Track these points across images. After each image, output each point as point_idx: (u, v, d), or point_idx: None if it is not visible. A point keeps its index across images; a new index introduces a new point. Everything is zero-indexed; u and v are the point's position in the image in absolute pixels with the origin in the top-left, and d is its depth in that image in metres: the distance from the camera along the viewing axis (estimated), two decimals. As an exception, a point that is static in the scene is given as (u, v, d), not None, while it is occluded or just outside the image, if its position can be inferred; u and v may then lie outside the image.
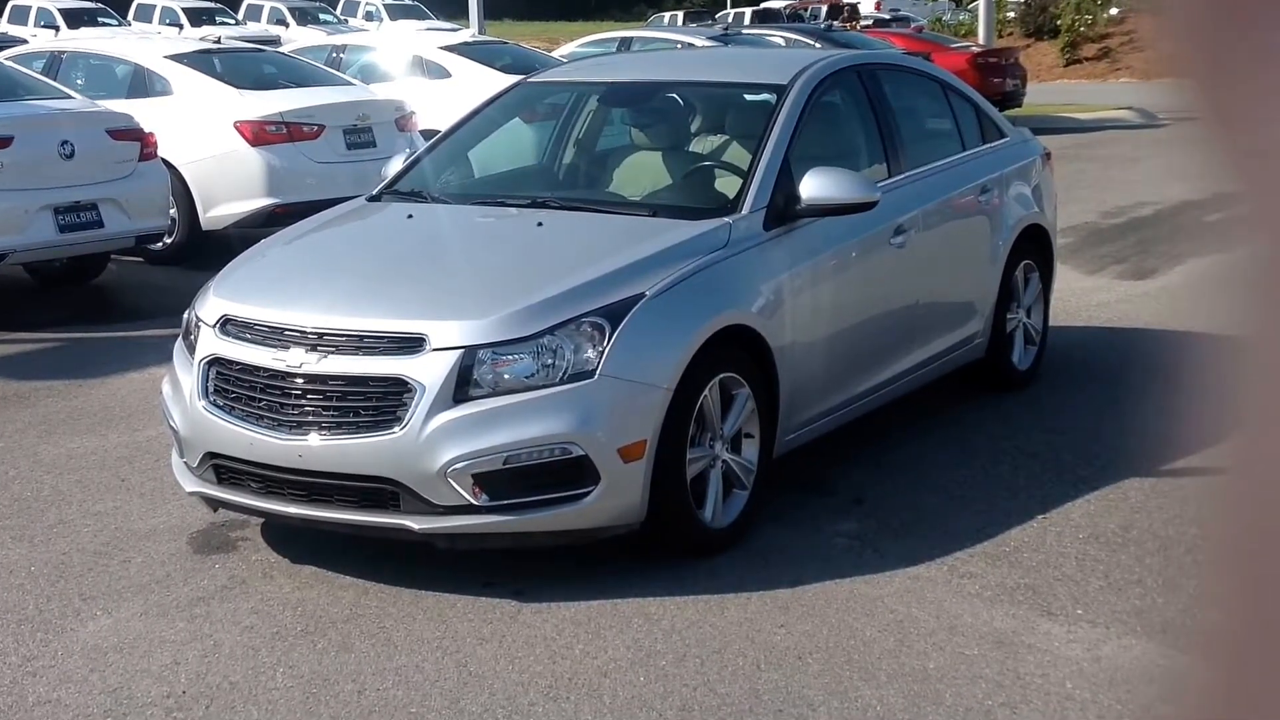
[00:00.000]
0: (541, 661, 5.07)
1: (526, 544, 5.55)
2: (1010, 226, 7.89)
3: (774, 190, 6.33)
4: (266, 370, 5.55)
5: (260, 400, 5.56)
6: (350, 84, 14.43)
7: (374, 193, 7.08)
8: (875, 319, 6.86)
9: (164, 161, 11.40)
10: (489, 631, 5.28)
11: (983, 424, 7.73)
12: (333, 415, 5.40)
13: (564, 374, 5.39)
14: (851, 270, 6.67)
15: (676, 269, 5.76)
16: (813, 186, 6.29)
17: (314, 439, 5.44)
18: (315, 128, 12.54)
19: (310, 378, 5.45)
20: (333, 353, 5.47)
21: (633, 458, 5.48)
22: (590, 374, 5.40)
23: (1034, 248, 8.25)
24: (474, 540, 5.47)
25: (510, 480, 5.38)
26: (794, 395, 6.27)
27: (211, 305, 5.92)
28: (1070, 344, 9.35)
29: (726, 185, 6.51)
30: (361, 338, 5.45)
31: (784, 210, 6.30)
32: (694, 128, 7.18)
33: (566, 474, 5.42)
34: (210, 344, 5.80)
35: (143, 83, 13.00)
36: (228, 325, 5.77)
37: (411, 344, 5.42)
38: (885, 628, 5.27)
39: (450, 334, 5.41)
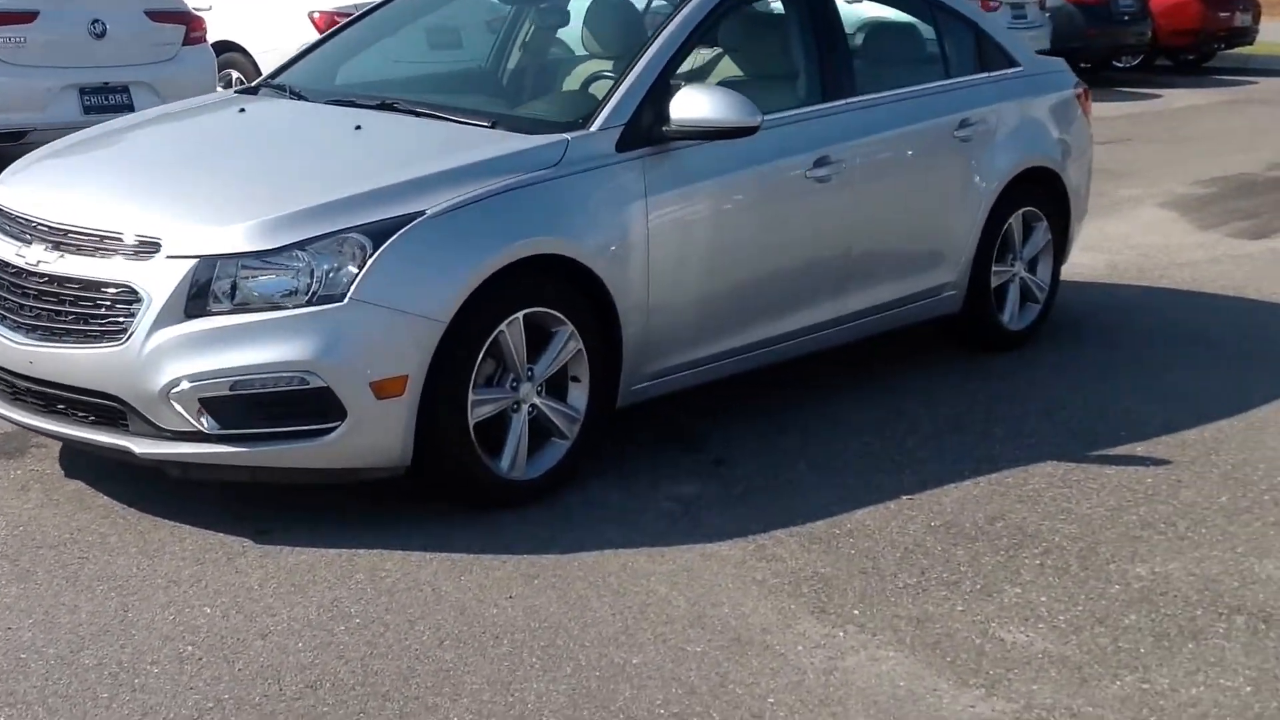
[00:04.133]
0: (211, 612, 4.61)
1: (268, 479, 4.96)
2: (1000, 167, 7.03)
3: (640, 108, 5.56)
4: (10, 266, 5.05)
5: (5, 299, 5.05)
6: None
7: (253, 83, 6.46)
8: (782, 260, 6.09)
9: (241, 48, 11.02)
10: (189, 574, 4.84)
11: (929, 387, 6.94)
12: (65, 321, 4.94)
13: (313, 295, 4.73)
14: (745, 204, 5.90)
15: (477, 186, 5.03)
16: (682, 105, 5.55)
17: (45, 345, 5.05)
18: None
19: (47, 278, 4.99)
20: (72, 253, 4.94)
21: (389, 394, 4.88)
22: (340, 297, 4.71)
23: (1040, 193, 7.28)
24: (207, 471, 4.93)
25: (241, 408, 4.85)
26: (649, 339, 5.58)
27: None
28: (1109, 305, 8.50)
29: (588, 99, 5.73)
30: (102, 238, 4.95)
31: (648, 131, 5.49)
32: (588, 35, 6.36)
33: (305, 406, 4.85)
34: (-24, 231, 5.27)
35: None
36: None
37: (146, 249, 4.84)
38: (623, 610, 4.66)
39: (186, 240, 4.88)
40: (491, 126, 5.59)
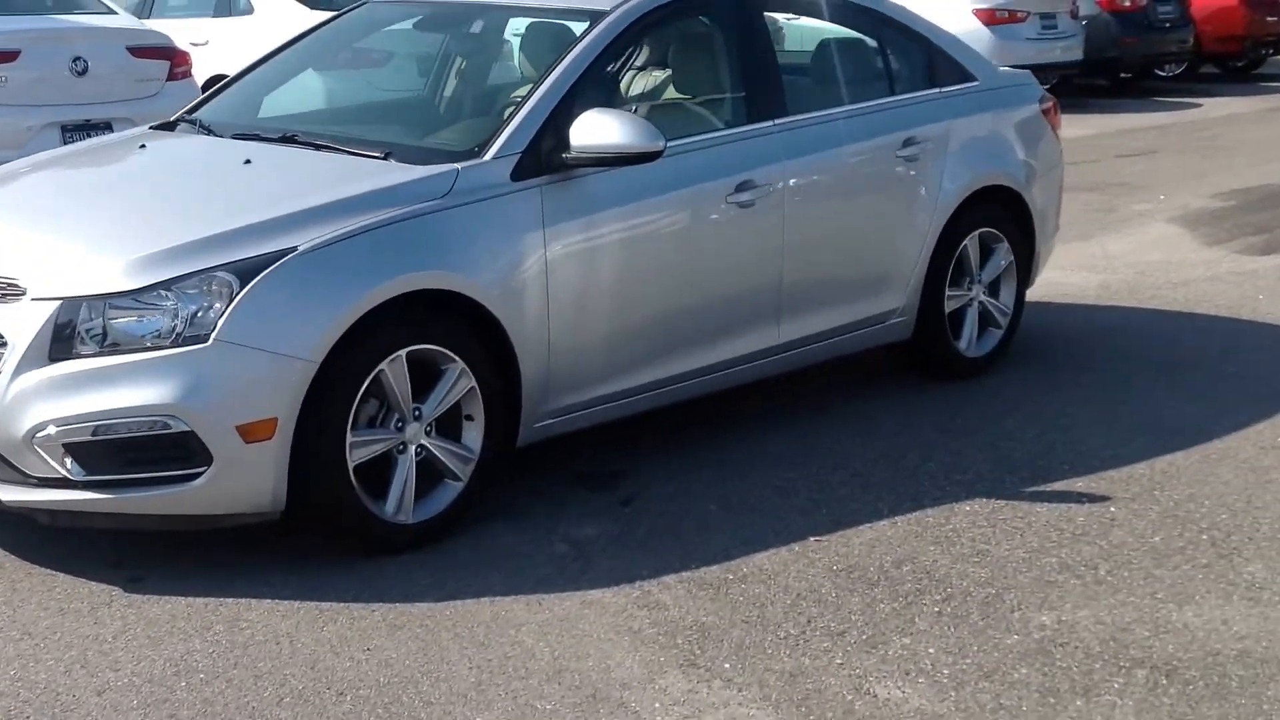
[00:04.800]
0: (55, 666, 4.45)
1: (136, 526, 4.81)
2: (951, 187, 6.74)
3: (539, 134, 5.34)
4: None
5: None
6: None
7: (173, 118, 6.29)
8: (702, 290, 5.84)
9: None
10: (46, 624, 4.69)
11: (870, 417, 6.69)
12: (-62, 366, 4.70)
13: (177, 336, 4.55)
14: (657, 232, 5.66)
15: (355, 220, 4.82)
16: (582, 132, 5.32)
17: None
18: None
19: (-77, 321, 4.75)
20: (-54, 296, 4.75)
21: (257, 438, 4.69)
22: (204, 338, 4.53)
23: (1000, 213, 6.96)
24: (75, 518, 4.79)
25: (105, 453, 4.68)
26: (552, 375, 5.38)
27: None
28: (1088, 328, 8.20)
29: (488, 127, 5.49)
30: (-27, 283, 4.72)
31: (548, 159, 5.26)
32: (523, 61, 6.15)
33: (169, 451, 4.69)
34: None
35: (226, 2, 12.53)
36: None
37: (11, 292, 4.70)
38: (482, 664, 4.48)
39: (51, 282, 4.76)
40: (385, 158, 5.36)
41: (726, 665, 4.37)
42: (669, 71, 6.34)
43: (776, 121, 6.13)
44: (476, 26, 6.70)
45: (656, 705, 4.13)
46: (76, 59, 10.08)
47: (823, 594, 4.81)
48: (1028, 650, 4.43)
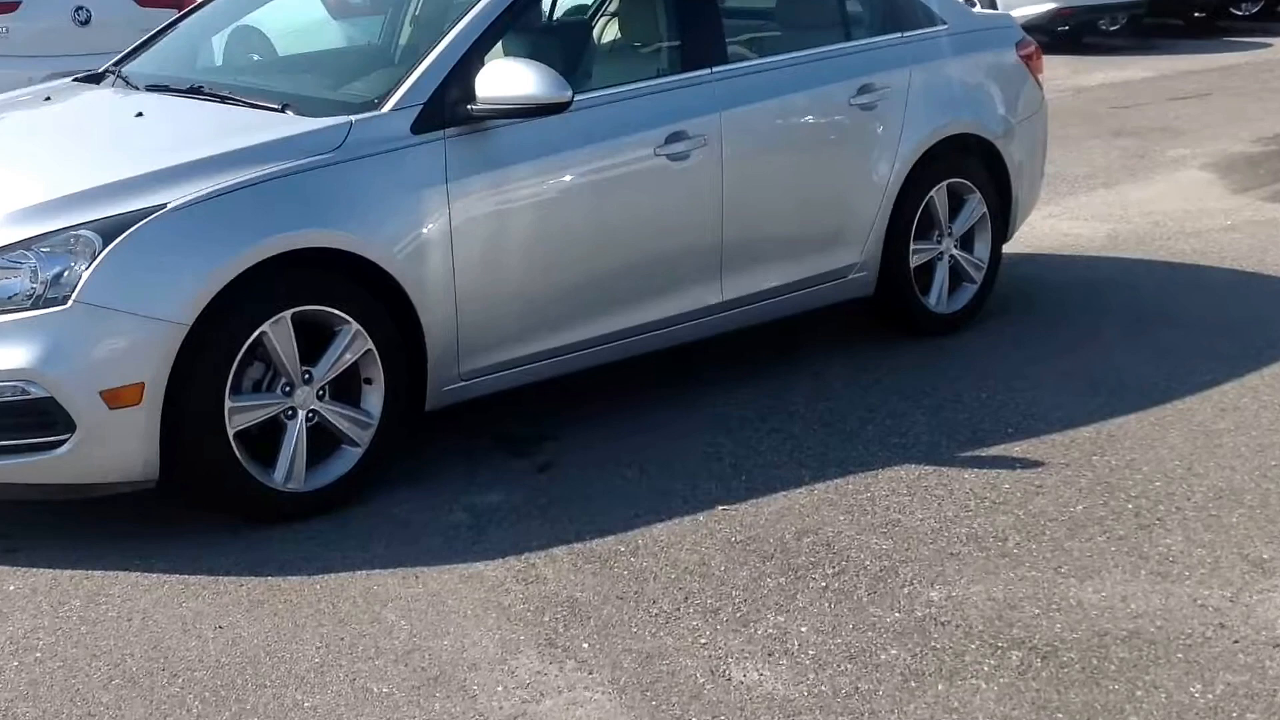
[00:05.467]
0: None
1: (3, 495, 4.59)
2: (914, 136, 6.46)
3: (443, 85, 5.14)
4: None
5: None
6: None
7: (101, 69, 6.13)
8: (631, 246, 5.63)
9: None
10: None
11: (822, 376, 6.48)
12: None
13: (37, 298, 4.40)
14: (577, 187, 5.45)
15: (235, 175, 4.67)
16: (488, 82, 5.10)
17: None
18: None
19: None
20: None
21: (123, 403, 4.57)
22: (63, 300, 4.37)
23: (970, 163, 6.66)
24: (-62, 487, 4.56)
25: (-36, 420, 4.43)
26: (464, 336, 5.20)
27: None
28: (1082, 280, 7.90)
29: (394, 77, 5.29)
30: None
31: (453, 111, 5.06)
32: (441, 9, 5.92)
33: (30, 418, 4.56)
34: None
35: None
36: None
37: (-126, 254, 4.55)
38: (333, 642, 4.33)
39: (-96, 243, 4.51)
40: (281, 110, 5.13)
41: (585, 645, 4.17)
42: (599, 19, 6.06)
43: (715, 69, 5.87)
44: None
45: (499, 689, 3.95)
46: (79, 8, 9.98)
47: (710, 568, 4.58)
48: (905, 629, 4.20)
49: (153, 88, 5.74)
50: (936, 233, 6.69)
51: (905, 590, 4.44)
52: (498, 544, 4.80)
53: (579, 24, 6.19)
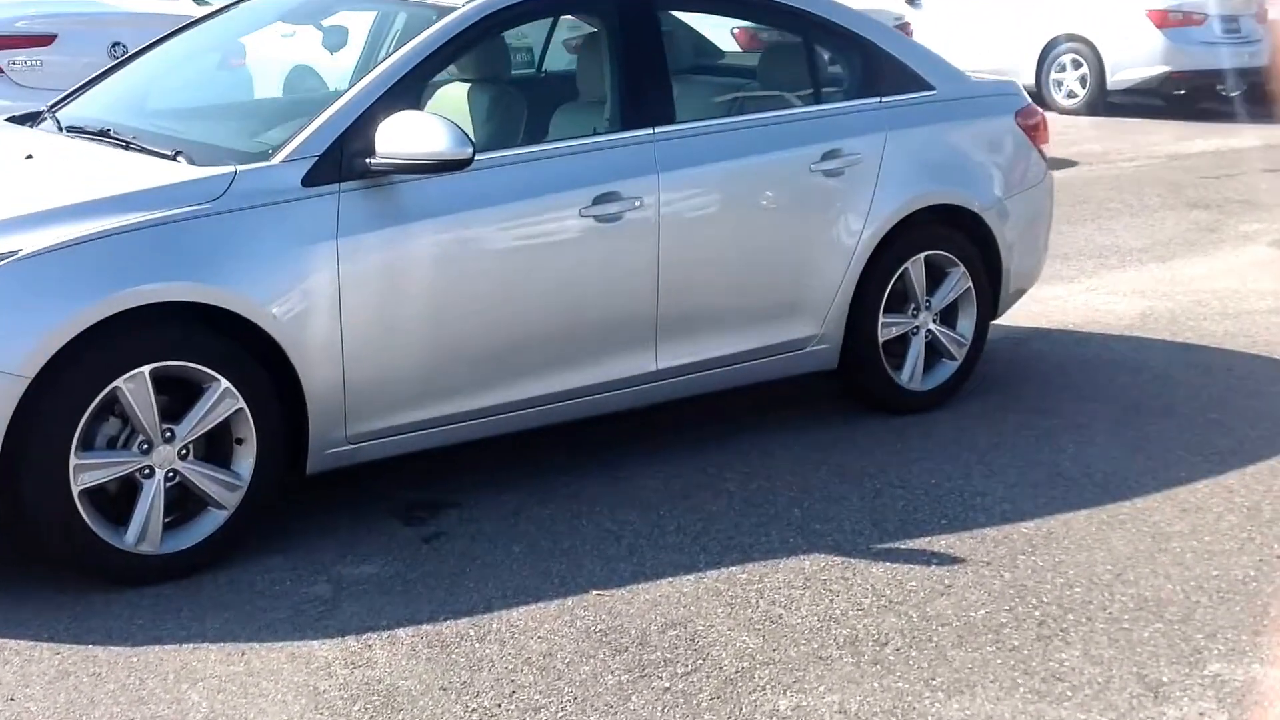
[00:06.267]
0: None
1: None
2: (886, 205, 6.10)
3: (343, 138, 4.93)
4: None
5: None
6: None
7: (45, 108, 6.01)
8: (550, 311, 5.38)
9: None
10: None
11: (767, 451, 6.15)
12: None
13: (-126, 344, 4.23)
14: (488, 247, 5.19)
15: (101, 223, 4.50)
16: (388, 136, 4.87)
17: None
18: None
19: None
20: None
21: (-46, 456, 4.27)
22: (-106, 348, 4.21)
23: (953, 235, 6.29)
24: None
25: None
26: (351, 400, 4.97)
27: None
28: (1091, 361, 7.49)
29: (297, 128, 5.07)
30: None
31: (351, 164, 4.84)
32: (348, 52, 5.72)
33: None
34: None
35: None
36: None
37: None
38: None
39: None
40: (173, 157, 4.93)
41: (380, 738, 3.81)
42: (539, 75, 5.79)
43: (657, 130, 5.52)
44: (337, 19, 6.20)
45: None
46: (116, 44, 9.89)
47: (554, 660, 4.27)
48: (732, 743, 3.81)
49: (72, 129, 5.53)
50: (912, 306, 6.26)
51: (753, 697, 4.09)
52: (345, 621, 4.53)
53: (515, 80, 5.89)
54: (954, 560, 4.93)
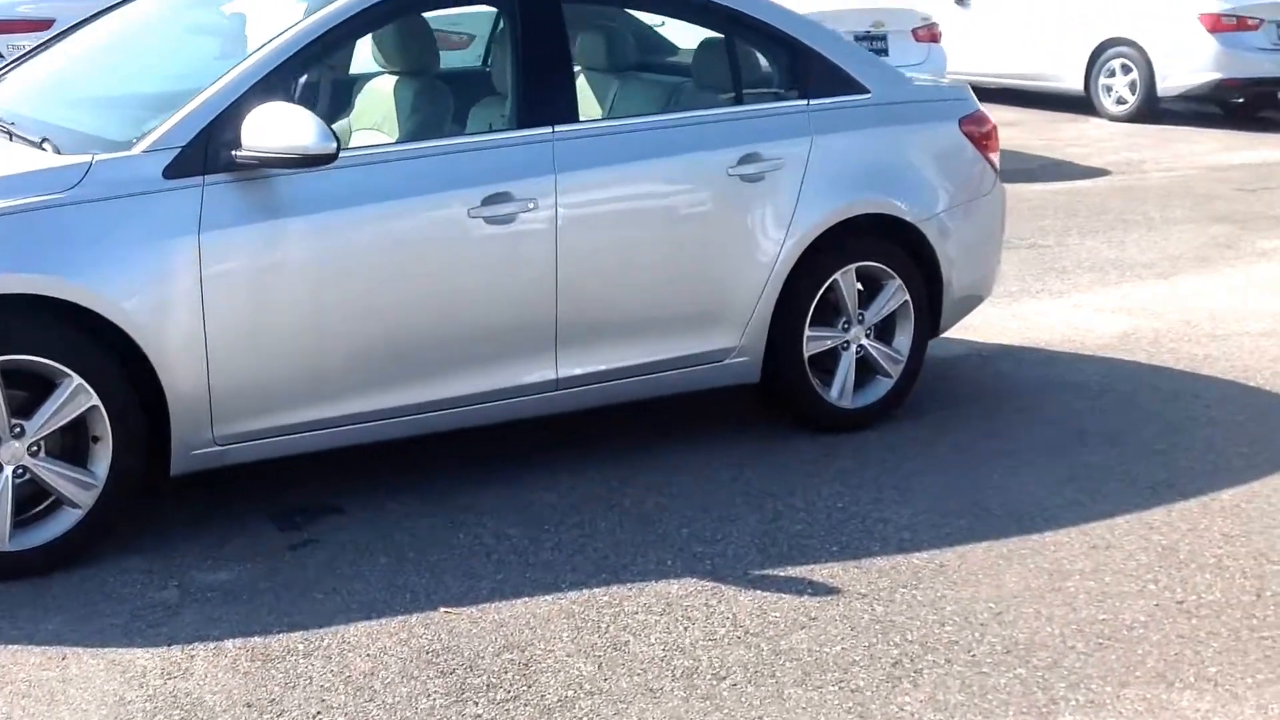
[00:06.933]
0: None
1: None
2: (811, 212, 5.90)
3: (210, 128, 4.79)
4: None
5: None
6: None
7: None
8: (431, 314, 5.18)
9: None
10: None
11: (677, 468, 5.94)
12: None
13: None
14: (364, 245, 5.04)
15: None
16: (253, 129, 4.73)
17: None
18: None
19: None
20: None
21: None
22: None
23: (887, 247, 6.06)
24: None
25: None
26: (217, 400, 4.84)
27: None
28: (1054, 382, 7.23)
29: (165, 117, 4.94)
30: None
31: (216, 156, 4.70)
32: (231, 43, 5.57)
33: None
34: None
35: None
36: None
37: None
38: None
39: None
40: (39, 145, 4.80)
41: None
42: (416, 68, 5.63)
43: (557, 129, 5.32)
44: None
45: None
46: (109, 29, 9.76)
47: (374, 679, 4.17)
48: (526, 778, 3.63)
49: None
50: (843, 320, 6.02)
51: (551, 729, 3.86)
52: (178, 630, 4.43)
53: (415, 73, 5.70)
54: (829, 591, 4.71)
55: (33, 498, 4.75)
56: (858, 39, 12.61)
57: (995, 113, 14.37)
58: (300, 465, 5.36)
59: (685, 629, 4.49)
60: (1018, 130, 15.28)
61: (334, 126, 5.63)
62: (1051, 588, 4.81)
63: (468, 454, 5.81)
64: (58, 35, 6.12)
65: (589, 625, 4.50)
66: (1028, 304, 8.32)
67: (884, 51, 12.92)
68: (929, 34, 13.33)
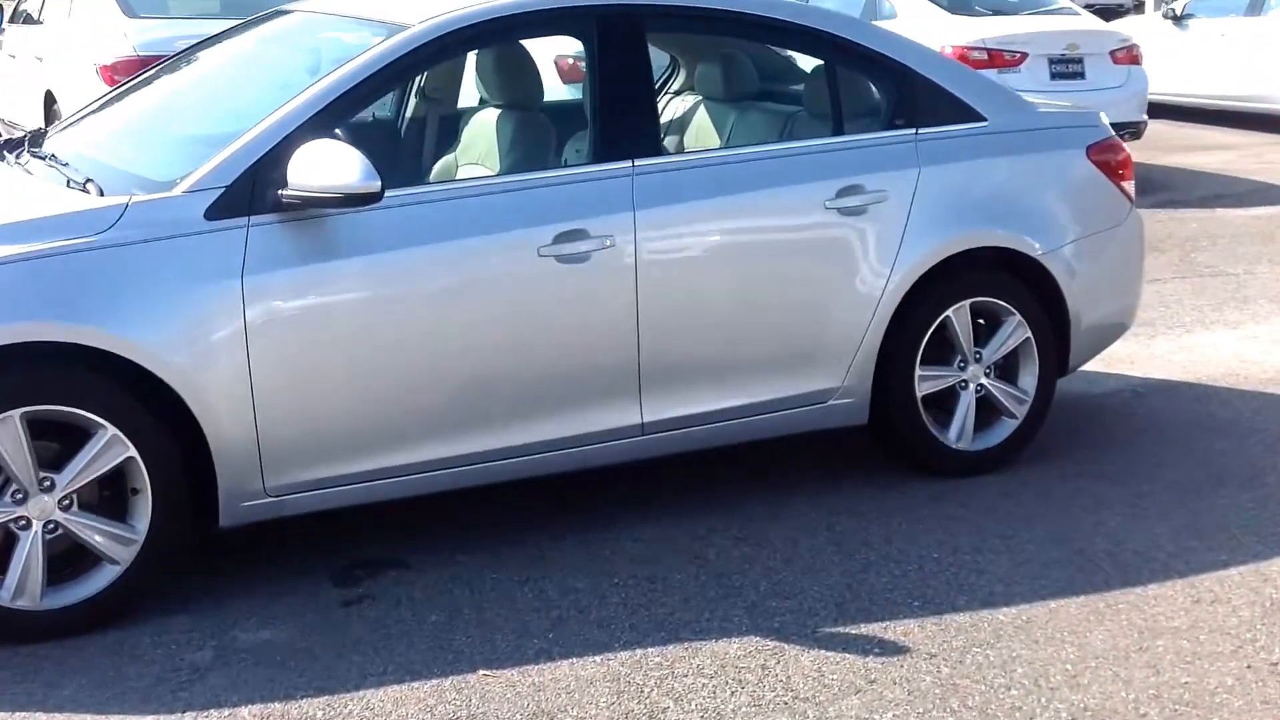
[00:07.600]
0: None
1: None
2: (920, 246, 5.53)
3: (256, 167, 4.67)
4: None
5: None
6: (1068, 11, 13.86)
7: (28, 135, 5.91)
8: (500, 357, 4.97)
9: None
10: None
11: (764, 520, 5.62)
12: None
13: None
14: (424, 288, 4.82)
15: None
16: (300, 168, 4.59)
17: None
18: (1017, 55, 12.52)
19: None
20: None
21: None
22: None
23: (1007, 281, 5.72)
24: None
25: None
26: (266, 450, 4.69)
27: None
28: (1213, 423, 6.74)
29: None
30: None
31: (263, 196, 4.59)
32: (298, 77, 5.43)
33: None
34: None
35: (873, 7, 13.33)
36: None
37: None
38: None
39: None
40: (83, 186, 4.72)
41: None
42: (495, 103, 5.40)
43: (637, 163, 5.06)
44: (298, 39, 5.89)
45: None
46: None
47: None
48: None
49: (37, 155, 5.35)
50: (959, 358, 5.63)
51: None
52: (199, 695, 4.27)
53: (469, 111, 5.48)
54: (896, 650, 4.36)
55: (73, 554, 4.57)
56: (1052, 63, 12.55)
57: (1210, 135, 13.75)
58: (372, 516, 5.18)
59: (732, 693, 4.15)
60: (1233, 154, 14.52)
61: (440, 161, 5.58)
62: (1139, 646, 4.37)
63: (550, 504, 5.53)
64: (150, 74, 5.97)
65: (631, 689, 4.19)
66: (1200, 335, 7.78)
67: (1080, 74, 12.78)
68: (1129, 56, 12.83)
